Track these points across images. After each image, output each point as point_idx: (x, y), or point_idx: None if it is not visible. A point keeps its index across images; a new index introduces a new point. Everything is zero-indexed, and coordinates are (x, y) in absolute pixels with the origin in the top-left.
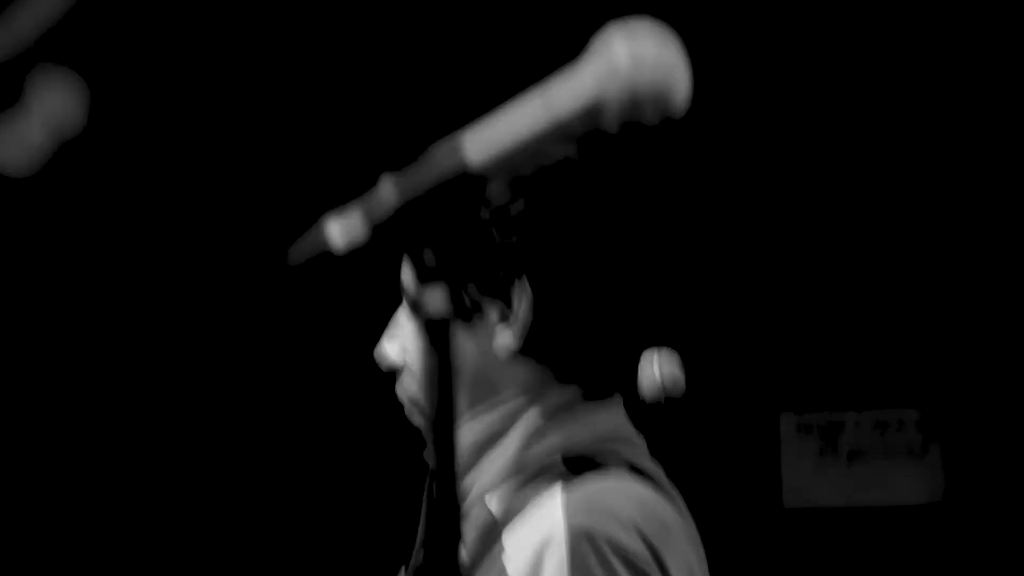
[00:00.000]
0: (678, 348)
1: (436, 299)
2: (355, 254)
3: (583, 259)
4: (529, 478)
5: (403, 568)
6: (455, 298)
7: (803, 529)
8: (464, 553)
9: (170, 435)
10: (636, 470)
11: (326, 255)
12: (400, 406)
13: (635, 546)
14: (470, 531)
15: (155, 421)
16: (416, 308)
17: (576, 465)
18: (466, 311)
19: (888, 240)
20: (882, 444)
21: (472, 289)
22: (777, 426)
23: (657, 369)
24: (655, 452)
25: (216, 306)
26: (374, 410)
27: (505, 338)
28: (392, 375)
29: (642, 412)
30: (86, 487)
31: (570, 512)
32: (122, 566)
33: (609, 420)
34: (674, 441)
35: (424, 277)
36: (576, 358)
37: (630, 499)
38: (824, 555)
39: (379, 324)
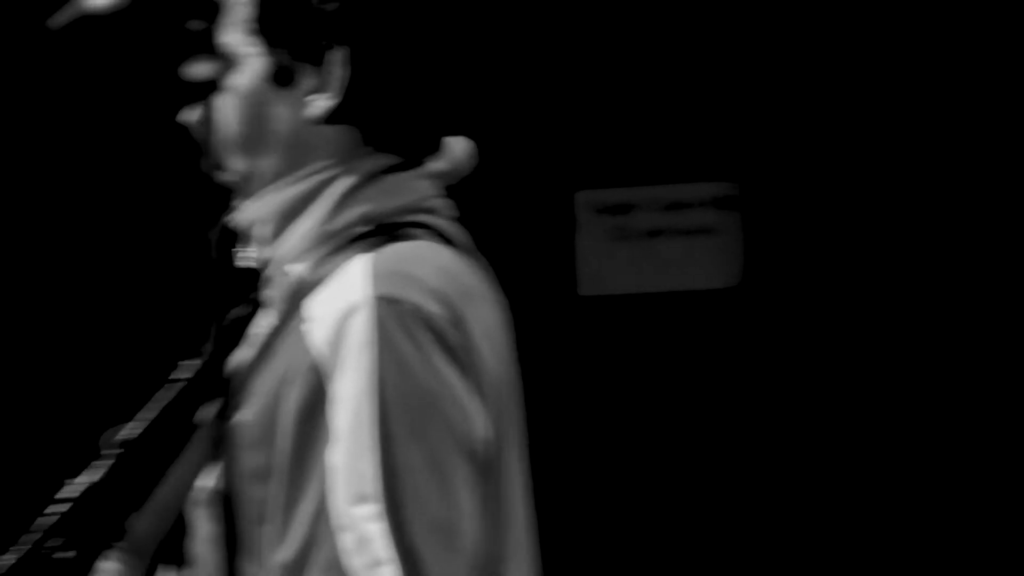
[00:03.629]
0: (465, 123)
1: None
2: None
3: (403, 26)
4: (337, 247)
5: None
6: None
7: (599, 317)
8: (273, 317)
9: None
10: (444, 238)
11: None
12: None
13: (435, 310)
14: (274, 299)
15: None
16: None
17: (385, 234)
18: (280, 76)
19: (679, 7)
20: (678, 224)
21: (286, 55)
22: (572, 206)
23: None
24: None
25: None
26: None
27: (319, 104)
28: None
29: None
30: None
31: (372, 279)
32: None
33: (418, 189)
34: (463, 226)
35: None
36: (392, 124)
37: (433, 264)
38: (621, 343)
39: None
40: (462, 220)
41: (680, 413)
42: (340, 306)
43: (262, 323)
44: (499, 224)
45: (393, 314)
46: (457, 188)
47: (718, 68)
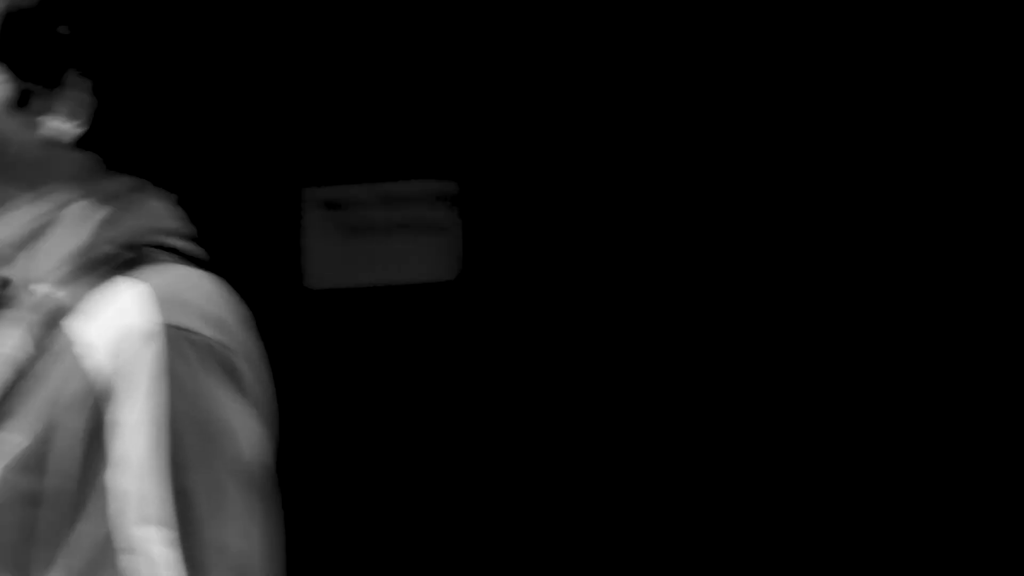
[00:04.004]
0: (193, 121)
1: None
2: None
3: (134, 43)
4: (87, 269)
5: None
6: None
7: (326, 310)
8: (26, 340)
9: None
10: (190, 259)
11: None
12: None
13: (217, 337)
14: (24, 321)
15: None
16: None
17: (136, 255)
18: (18, 99)
19: (401, 7)
20: (404, 218)
21: (24, 78)
22: (299, 202)
23: None
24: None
25: None
26: None
27: (59, 127)
28: None
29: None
30: None
31: (153, 306)
32: None
33: (161, 209)
34: (191, 223)
35: None
36: (130, 145)
37: (201, 290)
38: (348, 336)
39: None
40: (192, 219)
41: (403, 404)
42: (121, 332)
43: (7, 343)
44: (227, 220)
45: (177, 341)
46: (185, 186)
47: (439, 71)
